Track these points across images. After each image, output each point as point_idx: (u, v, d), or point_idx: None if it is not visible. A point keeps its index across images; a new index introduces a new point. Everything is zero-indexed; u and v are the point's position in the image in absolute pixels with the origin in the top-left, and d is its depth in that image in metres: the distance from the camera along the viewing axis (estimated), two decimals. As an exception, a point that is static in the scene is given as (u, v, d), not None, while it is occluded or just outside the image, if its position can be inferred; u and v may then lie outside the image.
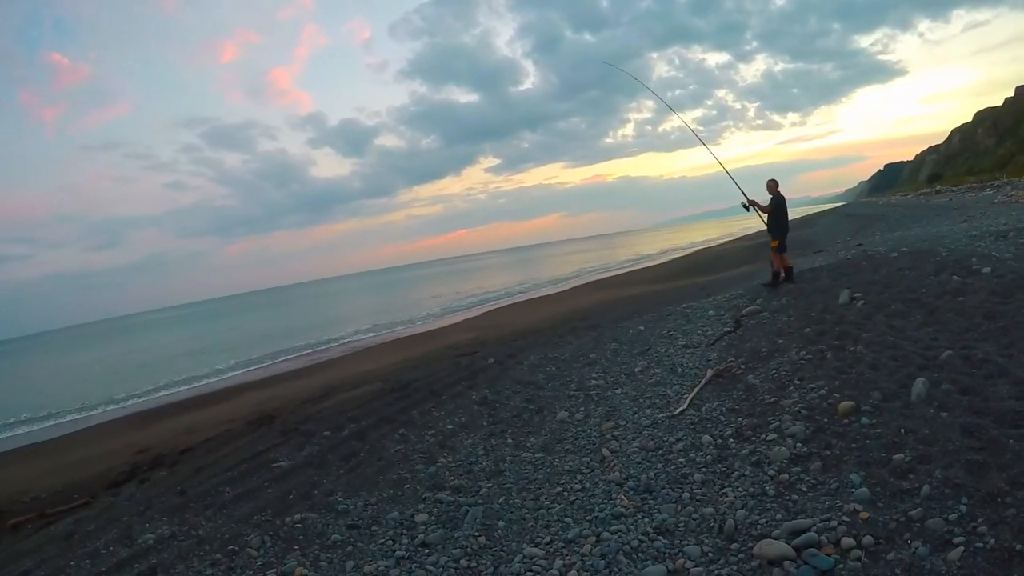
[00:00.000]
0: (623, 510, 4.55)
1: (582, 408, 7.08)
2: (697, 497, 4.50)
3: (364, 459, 6.81)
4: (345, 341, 25.97)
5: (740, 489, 4.39)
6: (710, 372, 6.99)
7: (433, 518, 5.09)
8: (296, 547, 5.04)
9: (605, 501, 4.77)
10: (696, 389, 6.64)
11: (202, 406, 16.18)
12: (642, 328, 10.42)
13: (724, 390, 6.45)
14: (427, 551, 4.62)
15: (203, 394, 18.31)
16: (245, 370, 22.53)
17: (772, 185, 10.89)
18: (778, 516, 3.91)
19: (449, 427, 7.37)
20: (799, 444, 4.66)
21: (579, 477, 5.30)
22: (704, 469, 4.89)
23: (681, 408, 6.22)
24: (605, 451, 5.66)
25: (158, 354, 36.92)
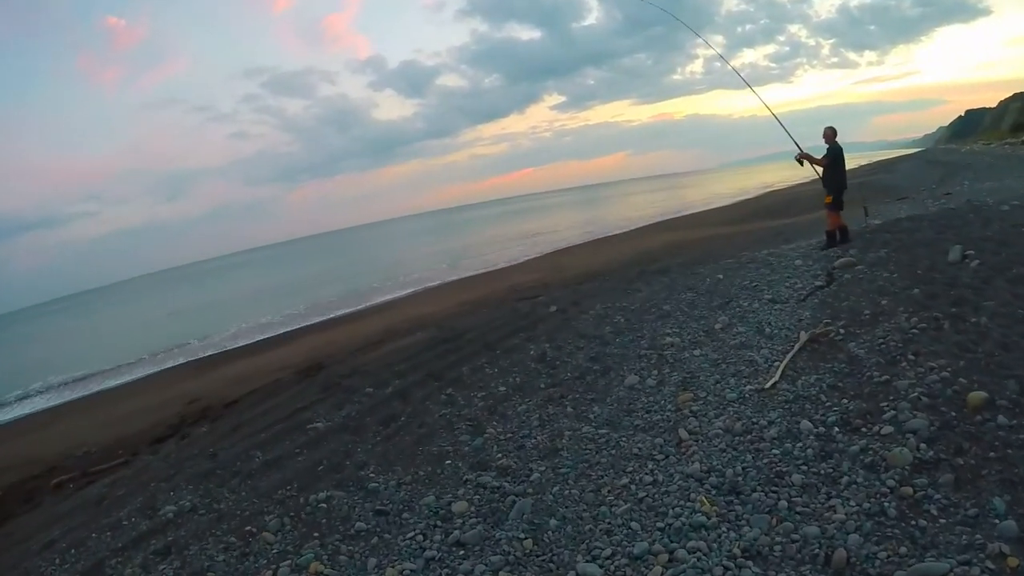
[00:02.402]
0: (703, 518, 3.54)
1: (655, 372, 5.97)
2: (797, 508, 3.48)
3: (404, 424, 5.99)
4: (408, 282, 25.71)
5: (852, 503, 3.39)
6: (804, 336, 5.81)
7: (473, 508, 4.20)
8: (316, 534, 4.32)
9: (681, 502, 3.77)
10: (788, 356, 5.49)
11: (260, 352, 16.26)
12: (720, 276, 9.12)
13: (822, 360, 5.29)
14: (462, 553, 3.76)
15: (264, 339, 18.43)
16: (310, 312, 22.48)
17: (829, 134, 9.56)
18: (903, 549, 2.98)
19: (501, 389, 6.42)
20: (923, 445, 3.66)
21: (650, 465, 4.28)
22: (804, 468, 3.83)
23: (773, 380, 5.08)
24: (682, 432, 4.59)
25: (226, 299, 37.91)
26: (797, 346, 5.65)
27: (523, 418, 5.54)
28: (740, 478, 3.87)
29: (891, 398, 4.25)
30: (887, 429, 3.91)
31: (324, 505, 4.67)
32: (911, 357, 4.75)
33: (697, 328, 6.95)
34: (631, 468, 4.28)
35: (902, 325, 5.41)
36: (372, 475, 5.03)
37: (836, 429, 4.13)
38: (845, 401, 4.45)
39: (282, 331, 19.12)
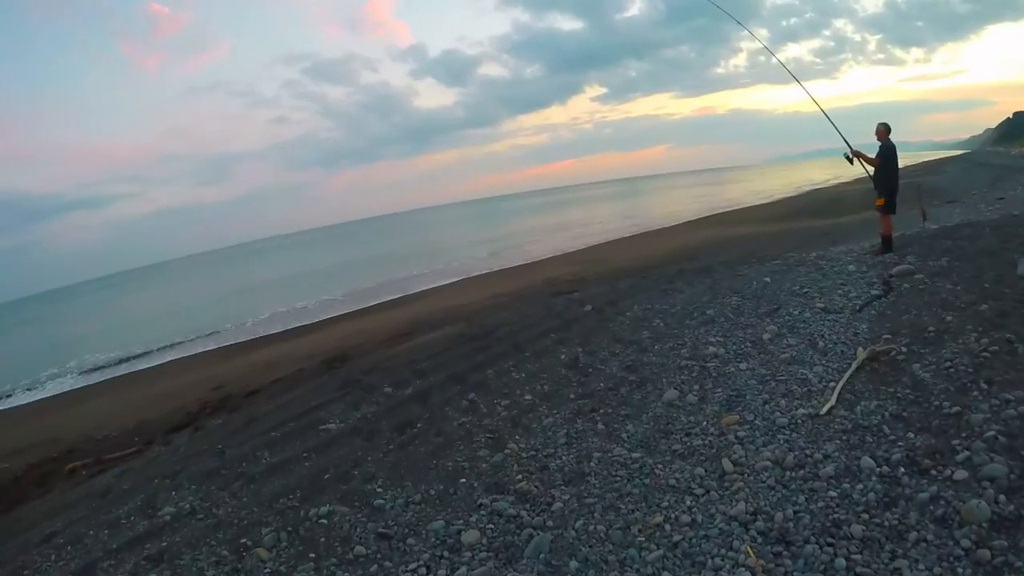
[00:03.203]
0: (748, 574, 2.98)
1: (696, 386, 5.35)
2: (856, 569, 2.90)
3: (420, 432, 5.51)
4: (443, 271, 25.65)
5: (921, 566, 2.84)
6: (862, 353, 5.15)
7: (485, 540, 3.68)
8: (312, 555, 3.90)
9: (723, 551, 3.21)
10: (845, 376, 4.85)
11: (290, 338, 16.37)
12: (767, 280, 8.43)
13: (883, 383, 4.65)
14: (467, 595, 3.26)
15: (297, 326, 18.38)
16: (345, 299, 22.47)
17: (882, 130, 8.82)
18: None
19: (527, 398, 5.87)
20: (1002, 497, 3.09)
21: (688, 501, 3.70)
22: (865, 516, 3.24)
23: (829, 405, 4.46)
24: (726, 462, 3.99)
25: (265, 282, 38.32)
26: (855, 365, 5.01)
27: (549, 433, 4.98)
28: (791, 524, 3.29)
29: (964, 435, 3.67)
30: (960, 474, 3.33)
31: (325, 521, 4.25)
32: (983, 385, 4.16)
33: (743, 338, 6.31)
34: (666, 503, 3.71)
35: (971, 346, 4.79)
36: (380, 489, 4.57)
37: (902, 470, 3.54)
38: (911, 435, 3.85)
39: (315, 319, 19.11)
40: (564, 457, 4.51)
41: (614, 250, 22.07)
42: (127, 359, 18.77)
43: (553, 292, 13.19)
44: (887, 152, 8.80)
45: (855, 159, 8.99)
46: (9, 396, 16.63)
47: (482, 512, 3.98)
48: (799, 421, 4.37)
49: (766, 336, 6.20)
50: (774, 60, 10.52)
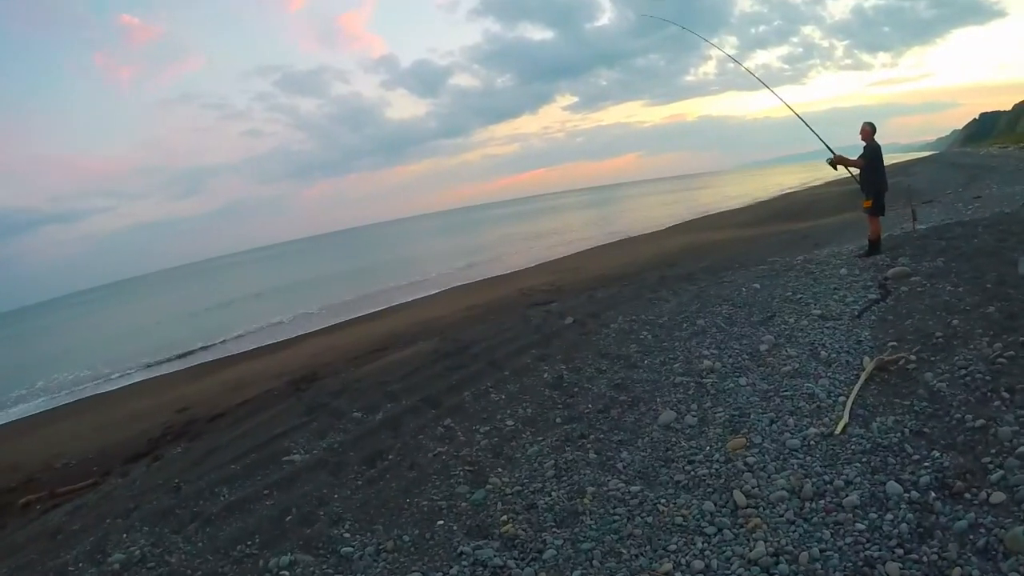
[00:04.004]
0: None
1: (694, 405, 4.93)
2: None
3: (391, 465, 5.00)
4: (418, 283, 25.15)
5: None
6: (870, 363, 4.83)
7: (467, 600, 3.23)
8: (269, 618, 3.37)
9: (744, 605, 2.79)
10: (855, 390, 4.50)
11: (262, 356, 15.86)
12: (757, 286, 8.10)
13: (896, 395, 4.33)
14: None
15: (269, 344, 17.80)
16: (320, 314, 21.95)
17: (868, 130, 8.61)
18: None
19: (509, 423, 5.38)
20: None
21: (699, 543, 3.27)
22: (900, 552, 2.88)
23: (842, 422, 4.09)
24: (738, 494, 3.57)
25: (238, 297, 37.36)
26: (863, 376, 4.67)
27: (535, 464, 4.51)
28: (819, 565, 2.90)
29: (993, 451, 3.35)
30: (997, 496, 2.99)
31: (286, 572, 3.77)
32: (1004, 394, 3.85)
33: (739, 349, 5.92)
34: (674, 546, 3.26)
35: (984, 352, 4.48)
36: (347, 534, 4.07)
37: (932, 494, 3.18)
38: (937, 454, 3.51)
39: (289, 335, 18.52)
40: (554, 493, 4.04)
41: (590, 258, 21.77)
42: (96, 379, 18.11)
43: (529, 303, 12.83)
44: (872, 153, 8.55)
45: (838, 164, 8.69)
46: None
47: (464, 562, 3.50)
48: (812, 442, 3.98)
49: (763, 347, 5.83)
50: (743, 69, 10.34)
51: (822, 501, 3.37)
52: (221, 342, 19.90)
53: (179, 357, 18.79)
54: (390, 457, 5.16)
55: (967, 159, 41.24)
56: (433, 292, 21.09)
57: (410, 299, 20.61)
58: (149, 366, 18.33)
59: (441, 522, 4.00)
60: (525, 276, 19.78)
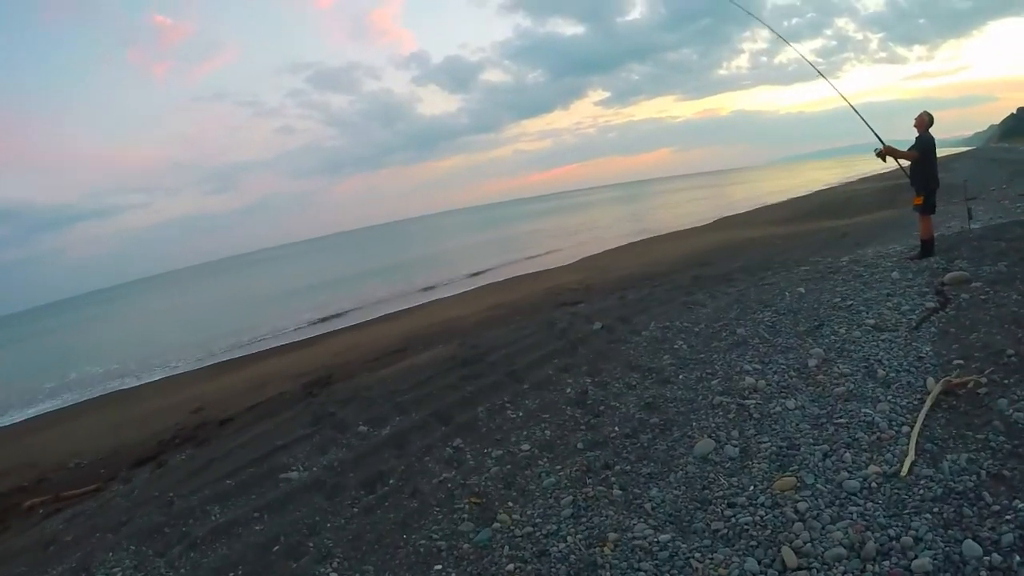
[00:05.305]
0: None
1: (735, 432, 4.29)
2: None
3: (392, 491, 4.49)
4: (443, 280, 24.87)
5: None
6: (936, 386, 4.16)
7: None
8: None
9: None
10: (920, 419, 3.82)
11: (286, 352, 15.78)
12: (801, 290, 7.38)
13: (968, 426, 3.67)
14: None
15: (297, 339, 17.75)
16: (347, 311, 21.74)
17: (924, 120, 7.88)
18: None
19: (524, 447, 4.81)
20: None
21: (743, 616, 2.68)
22: None
23: (908, 460, 3.43)
24: (788, 552, 2.95)
25: (269, 293, 37.56)
26: (929, 401, 4.00)
27: (550, 499, 3.93)
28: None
29: None
30: None
31: (264, 619, 3.29)
32: None
33: (785, 365, 5.25)
34: (712, 618, 2.70)
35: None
36: (334, 574, 3.58)
37: (1017, 558, 2.58)
38: (1020, 504, 2.88)
39: (314, 333, 18.44)
40: (570, 538, 3.44)
41: (620, 256, 21.15)
42: (123, 375, 18.24)
43: (555, 304, 12.28)
44: (925, 145, 7.82)
45: (888, 156, 7.94)
46: (7, 412, 16.28)
47: (460, 624, 2.97)
48: (874, 484, 3.34)
49: (812, 362, 5.16)
50: (795, 56, 9.50)
51: (887, 563, 2.76)
52: (247, 340, 19.90)
53: (204, 353, 18.97)
54: (391, 481, 4.64)
55: (1006, 155, 39.32)
56: (458, 291, 20.68)
57: (434, 298, 20.24)
58: (174, 362, 18.43)
59: (439, 567, 3.46)
60: (553, 275, 19.20)
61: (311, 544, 4.00)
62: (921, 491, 3.19)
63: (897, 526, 2.98)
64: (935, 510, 3.03)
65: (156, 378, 16.67)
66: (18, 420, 14.76)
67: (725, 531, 3.26)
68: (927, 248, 7.95)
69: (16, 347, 43.25)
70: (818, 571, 2.82)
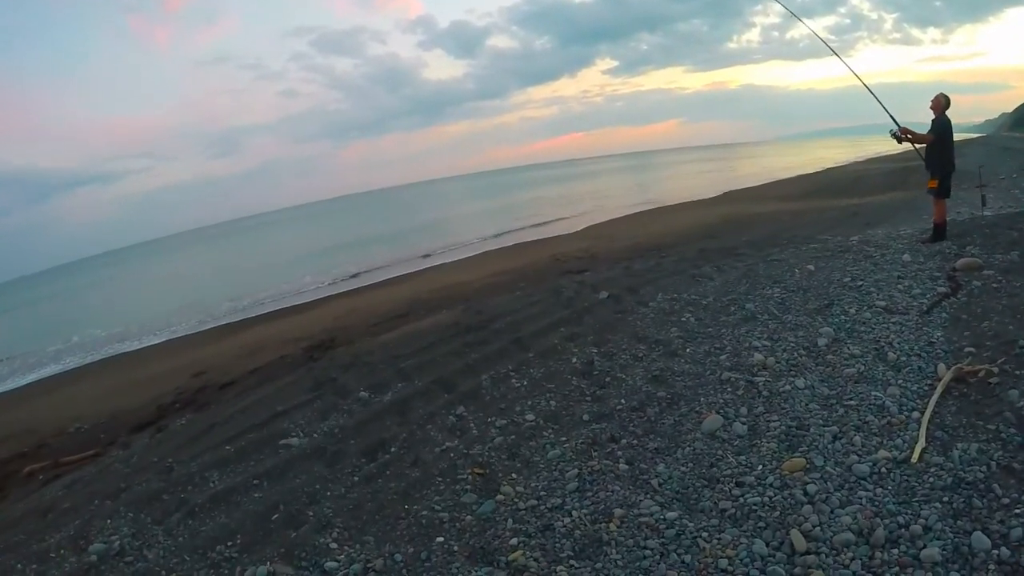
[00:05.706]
0: None
1: (744, 409, 4.21)
2: None
3: (393, 459, 4.43)
4: (449, 244, 24.56)
5: None
6: (947, 372, 4.07)
7: (465, 649, 2.64)
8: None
9: None
10: (931, 405, 3.74)
11: (287, 315, 15.64)
12: (811, 268, 7.28)
13: (978, 416, 3.56)
14: None
15: (298, 303, 17.58)
16: (352, 274, 21.54)
17: (943, 102, 7.72)
18: None
19: (529, 417, 4.73)
20: None
21: (750, 599, 2.61)
22: None
23: (919, 447, 3.35)
24: (796, 535, 2.88)
25: (272, 257, 37.42)
26: (939, 388, 3.90)
27: (555, 472, 3.86)
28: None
29: None
30: None
31: (261, 590, 3.24)
32: None
33: (795, 343, 5.14)
34: (721, 599, 2.63)
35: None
36: (334, 544, 3.53)
37: None
38: None
39: (316, 296, 18.24)
40: (575, 513, 3.38)
41: (626, 226, 20.91)
42: (125, 338, 18.09)
43: (561, 271, 12.15)
44: (942, 128, 7.67)
45: (903, 137, 7.84)
46: (11, 376, 16.22)
47: (463, 596, 2.91)
48: (884, 469, 3.26)
49: (822, 341, 5.05)
50: (803, 30, 9.15)
51: (895, 551, 2.69)
52: (247, 302, 19.76)
53: (206, 316, 18.76)
54: (393, 449, 4.59)
55: (1018, 144, 38.70)
56: (462, 255, 20.50)
57: (439, 263, 20.07)
58: (175, 325, 18.29)
59: (441, 539, 3.41)
60: (559, 242, 18.97)
61: (311, 513, 3.95)
62: (931, 479, 3.11)
63: (907, 513, 2.90)
64: (945, 499, 2.95)
65: (157, 341, 16.55)
66: (21, 384, 14.71)
67: (733, 511, 3.19)
68: (939, 232, 7.86)
69: (19, 312, 43.39)
70: (827, 556, 2.75)
